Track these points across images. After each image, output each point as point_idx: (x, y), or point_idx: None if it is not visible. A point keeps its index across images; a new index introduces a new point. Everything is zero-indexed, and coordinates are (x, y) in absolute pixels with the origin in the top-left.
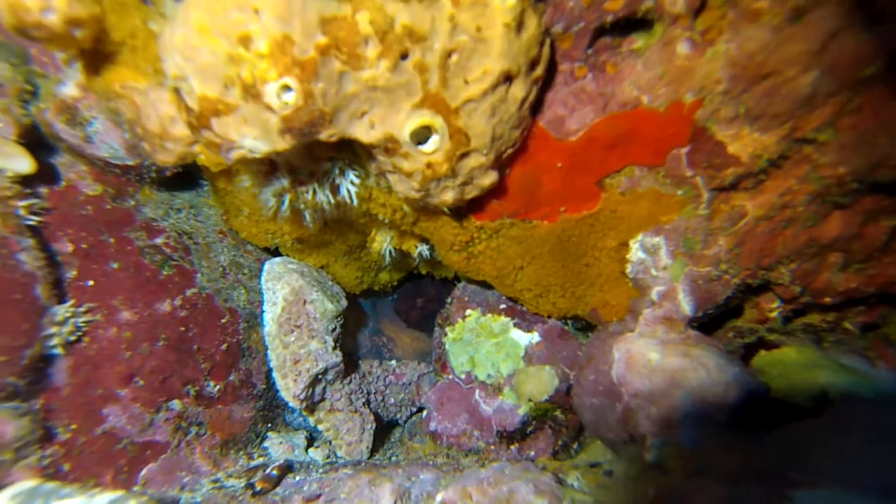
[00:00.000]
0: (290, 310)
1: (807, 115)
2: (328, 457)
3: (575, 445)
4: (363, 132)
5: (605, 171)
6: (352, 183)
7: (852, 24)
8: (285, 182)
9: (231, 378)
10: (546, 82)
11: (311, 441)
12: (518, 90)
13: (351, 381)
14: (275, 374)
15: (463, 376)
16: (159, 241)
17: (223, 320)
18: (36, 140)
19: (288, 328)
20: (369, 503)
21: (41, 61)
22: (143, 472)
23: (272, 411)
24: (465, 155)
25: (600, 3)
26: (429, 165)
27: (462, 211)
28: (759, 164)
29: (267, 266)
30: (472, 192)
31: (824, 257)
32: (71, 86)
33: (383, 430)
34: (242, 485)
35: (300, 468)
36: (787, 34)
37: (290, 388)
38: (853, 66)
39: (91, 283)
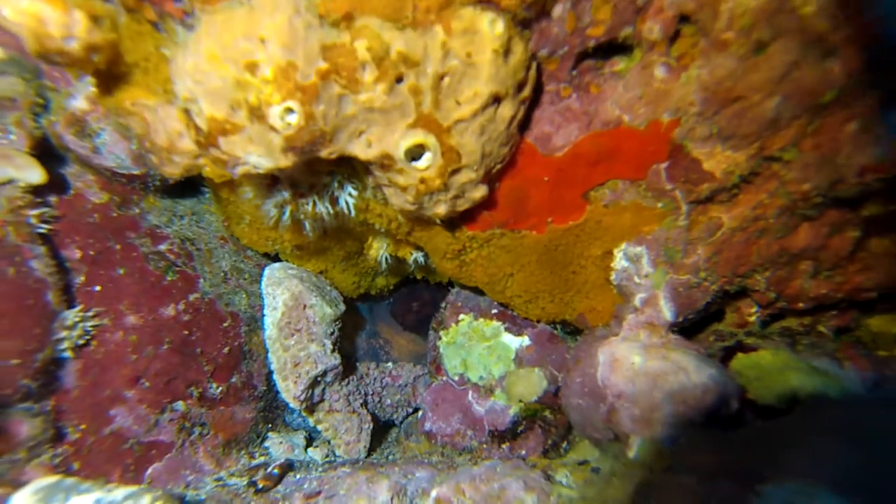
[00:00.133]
0: (291, 314)
1: (773, 136)
2: (327, 456)
3: (564, 444)
4: (361, 150)
5: (590, 184)
6: (350, 195)
7: (809, 56)
8: (287, 194)
9: (233, 380)
10: (533, 102)
11: (310, 441)
12: (506, 110)
13: (349, 383)
14: (275, 377)
15: (456, 378)
16: (163, 247)
17: (225, 324)
18: (46, 151)
19: (288, 332)
20: (367, 499)
21: (52, 76)
22: (149, 470)
23: (272, 412)
24: (456, 171)
25: (583, 30)
26: (422, 181)
27: (454, 221)
28: (731, 180)
29: (267, 271)
30: (463, 205)
31: (796, 265)
32: (80, 99)
33: (380, 430)
34: (245, 483)
35: (300, 467)
36: (751, 63)
37: (290, 390)
38: (812, 94)
39: (98, 288)
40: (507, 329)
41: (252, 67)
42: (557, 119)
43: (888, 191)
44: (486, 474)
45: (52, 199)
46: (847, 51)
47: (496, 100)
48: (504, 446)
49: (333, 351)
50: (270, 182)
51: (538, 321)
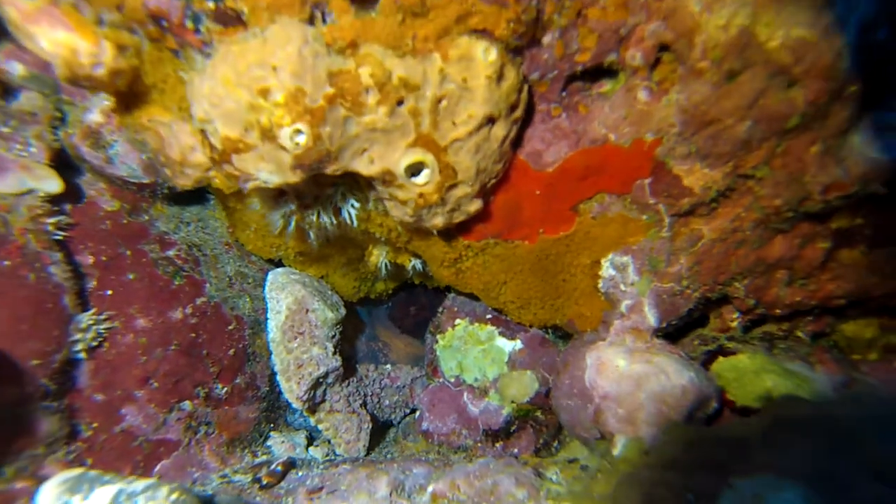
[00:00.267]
0: (294, 318)
1: (746, 156)
2: (327, 455)
3: (555, 444)
4: (364, 167)
5: (579, 197)
6: (352, 207)
7: (774, 85)
8: (293, 206)
9: (237, 381)
10: (525, 121)
11: (310, 440)
12: (499, 130)
13: (349, 384)
14: (279, 378)
15: (452, 380)
16: (171, 253)
17: (230, 327)
18: (63, 161)
19: (291, 335)
20: (367, 494)
21: (69, 91)
22: (157, 467)
23: (274, 412)
24: (452, 186)
25: (571, 56)
26: (421, 195)
27: (451, 232)
28: (710, 195)
29: (270, 276)
30: (459, 217)
31: (772, 274)
32: (96, 112)
33: (379, 429)
34: (249, 479)
35: (302, 465)
36: (724, 90)
37: (293, 391)
38: (778, 119)
39: (110, 292)
40: (500, 333)
41: (264, 92)
42: (548, 137)
43: (853, 206)
44: (480, 471)
45: (68, 207)
46: (808, 82)
47: (490, 120)
48: (497, 445)
49: (335, 353)
50: (277, 194)
51: (530, 326)
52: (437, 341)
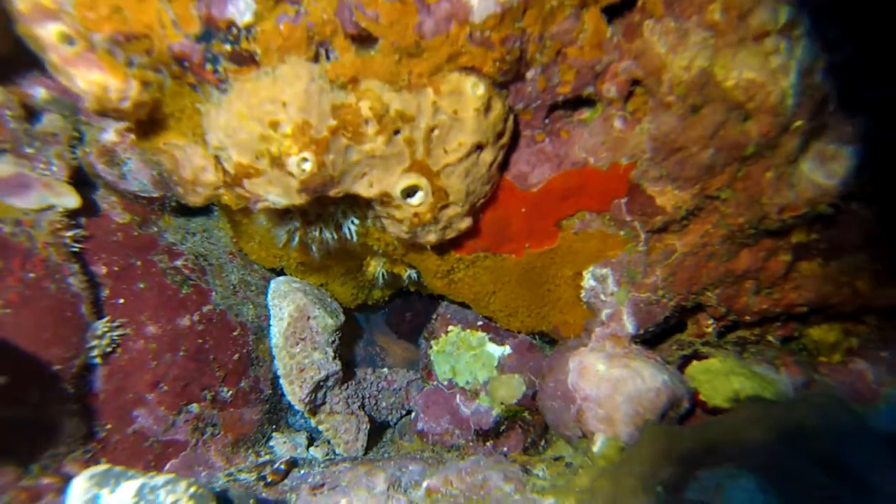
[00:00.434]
0: (296, 325)
1: (710, 179)
2: (327, 454)
3: (542, 443)
4: (364, 189)
5: (562, 215)
6: (352, 223)
7: (732, 119)
8: (297, 223)
9: (242, 384)
10: (511, 146)
11: (311, 441)
12: (487, 156)
13: (348, 387)
14: (282, 381)
15: (445, 383)
16: (179, 263)
17: (235, 333)
18: (79, 178)
19: (294, 341)
20: (367, 490)
21: (87, 112)
22: (167, 466)
23: (276, 414)
24: (444, 206)
25: (553, 88)
26: (415, 215)
27: (444, 246)
28: (680, 213)
29: (273, 285)
30: (451, 234)
31: (741, 284)
32: (111, 132)
33: (376, 430)
34: (254, 478)
35: (303, 464)
36: (689, 122)
37: (296, 393)
38: (736, 147)
39: (122, 301)
40: (491, 339)
41: (274, 125)
42: (533, 160)
43: (807, 224)
44: (471, 468)
45: (83, 220)
46: (759, 117)
47: (479, 147)
48: (488, 444)
49: (334, 358)
50: (283, 212)
51: (518, 332)
52: (431, 346)
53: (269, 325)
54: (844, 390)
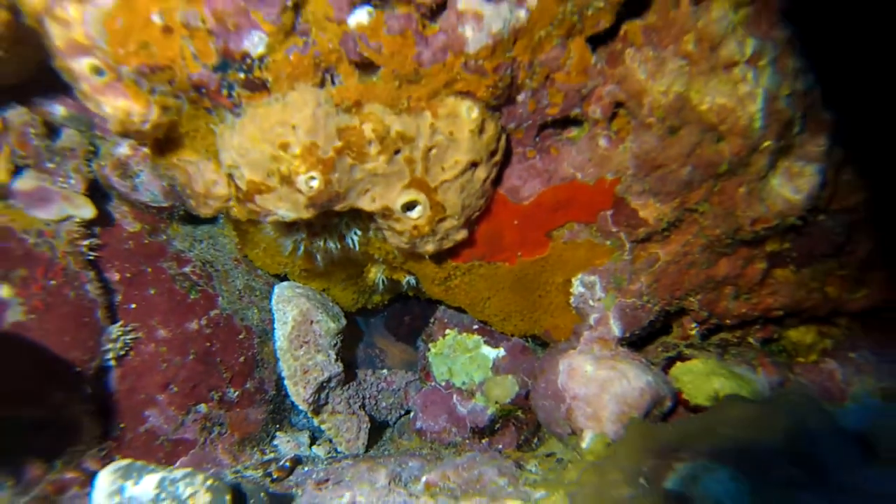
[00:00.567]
0: (300, 328)
1: (689, 194)
2: (329, 453)
3: (535, 440)
4: (366, 204)
5: (552, 226)
6: (355, 234)
7: (706, 139)
8: (303, 234)
9: (247, 385)
10: (504, 162)
11: (313, 440)
12: (481, 172)
13: (349, 388)
14: (287, 382)
15: (443, 383)
16: (187, 269)
17: (240, 336)
18: (94, 189)
19: (298, 344)
20: (369, 483)
21: (102, 127)
22: (177, 464)
23: (280, 414)
24: (442, 219)
25: (542, 109)
26: (415, 227)
27: (441, 255)
28: (662, 225)
29: (277, 290)
30: (447, 244)
31: (721, 290)
32: (124, 146)
33: (376, 429)
34: (260, 474)
35: (307, 461)
36: (668, 141)
37: (300, 394)
38: (711, 165)
39: (134, 306)
40: (486, 342)
41: (285, 146)
42: (524, 175)
43: (779, 234)
44: (468, 463)
45: (97, 229)
46: (731, 138)
47: (473, 165)
48: (484, 441)
49: (337, 360)
50: (289, 224)
51: (512, 336)
52: (429, 349)
53: (274, 329)
54: (816, 389)
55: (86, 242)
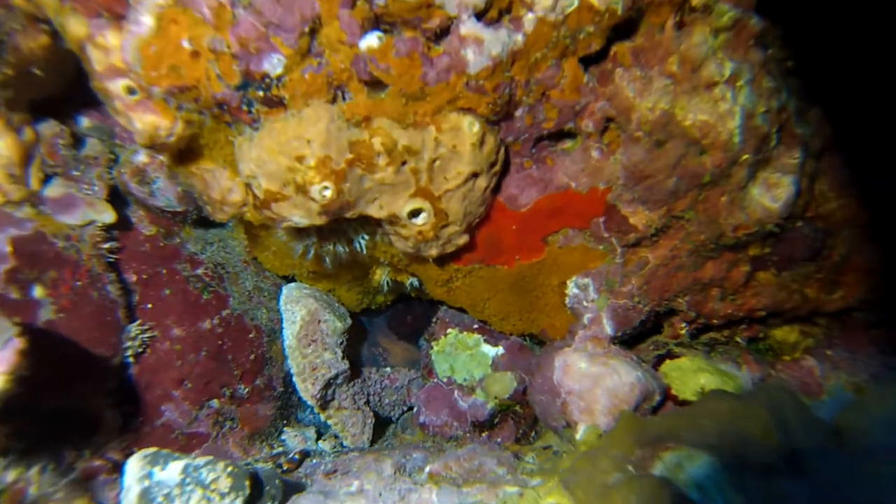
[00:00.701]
0: (308, 328)
1: (675, 202)
2: (334, 447)
3: (533, 434)
4: (375, 211)
5: (548, 231)
6: (363, 238)
7: (690, 152)
8: (314, 238)
9: (257, 382)
10: (503, 172)
11: (319, 435)
12: (482, 182)
13: (354, 385)
14: (295, 379)
15: (445, 380)
16: (200, 271)
17: (251, 335)
18: (114, 195)
19: (306, 342)
20: (376, 473)
21: (122, 136)
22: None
23: (288, 410)
24: (445, 225)
25: (538, 124)
26: (419, 233)
27: (444, 259)
28: (650, 231)
29: (285, 291)
30: (450, 249)
31: (708, 292)
32: (142, 154)
33: (379, 426)
34: (271, 466)
35: (314, 454)
36: (655, 154)
37: (308, 390)
38: (696, 176)
39: (150, 306)
40: (485, 341)
41: (300, 159)
42: (522, 184)
43: (760, 240)
44: (469, 455)
45: (116, 233)
46: (712, 152)
47: (474, 175)
48: (484, 434)
49: (343, 358)
50: (301, 229)
51: (510, 335)
52: (431, 347)
53: (282, 328)
54: (796, 384)
55: (107, 245)
